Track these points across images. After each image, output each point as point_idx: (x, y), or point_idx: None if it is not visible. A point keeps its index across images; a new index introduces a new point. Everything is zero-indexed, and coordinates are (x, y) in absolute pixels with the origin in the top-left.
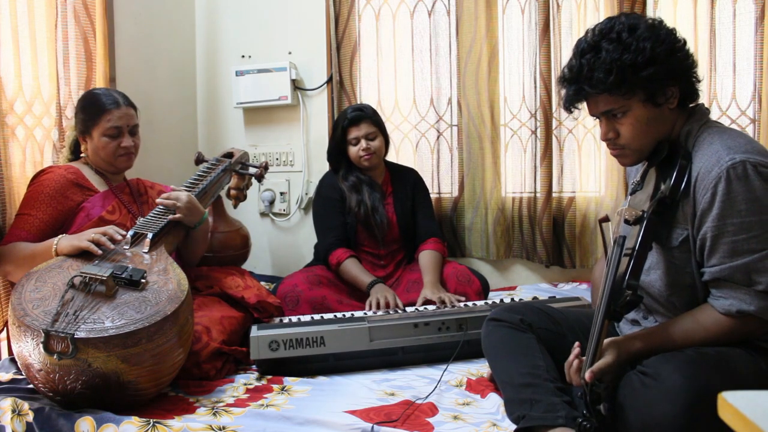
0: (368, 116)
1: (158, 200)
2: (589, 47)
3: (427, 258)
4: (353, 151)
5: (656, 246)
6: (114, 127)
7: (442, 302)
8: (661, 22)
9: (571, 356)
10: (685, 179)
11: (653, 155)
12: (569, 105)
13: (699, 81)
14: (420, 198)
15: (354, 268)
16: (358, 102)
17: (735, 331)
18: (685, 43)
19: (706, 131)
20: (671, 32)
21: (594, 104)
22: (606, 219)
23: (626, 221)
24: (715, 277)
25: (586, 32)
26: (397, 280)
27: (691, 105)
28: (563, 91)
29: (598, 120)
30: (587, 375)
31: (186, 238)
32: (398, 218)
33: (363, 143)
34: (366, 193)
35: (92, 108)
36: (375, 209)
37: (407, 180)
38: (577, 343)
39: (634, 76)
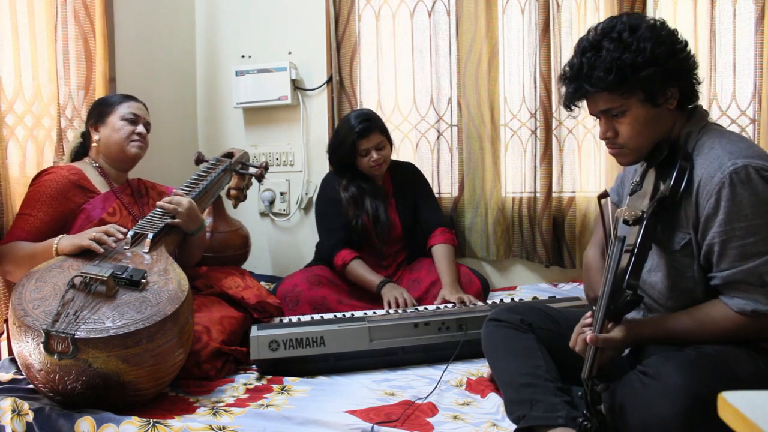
0: (376, 126)
1: (159, 203)
2: (590, 46)
3: (440, 254)
4: (363, 162)
5: (657, 249)
6: (133, 113)
7: (462, 302)
8: (663, 23)
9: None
10: (686, 180)
11: (652, 156)
12: (569, 103)
13: (699, 83)
14: (421, 190)
15: (360, 269)
16: (359, 102)
17: (747, 329)
18: (686, 44)
19: (706, 135)
20: (673, 33)
21: (593, 103)
22: (605, 194)
23: (625, 221)
24: (726, 281)
25: (588, 31)
26: (398, 281)
27: (690, 106)
28: (563, 89)
29: (597, 119)
30: (589, 336)
31: (182, 243)
32: (400, 218)
33: (374, 154)
34: (368, 203)
35: (112, 98)
36: (377, 218)
37: (407, 175)
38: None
39: (633, 75)
